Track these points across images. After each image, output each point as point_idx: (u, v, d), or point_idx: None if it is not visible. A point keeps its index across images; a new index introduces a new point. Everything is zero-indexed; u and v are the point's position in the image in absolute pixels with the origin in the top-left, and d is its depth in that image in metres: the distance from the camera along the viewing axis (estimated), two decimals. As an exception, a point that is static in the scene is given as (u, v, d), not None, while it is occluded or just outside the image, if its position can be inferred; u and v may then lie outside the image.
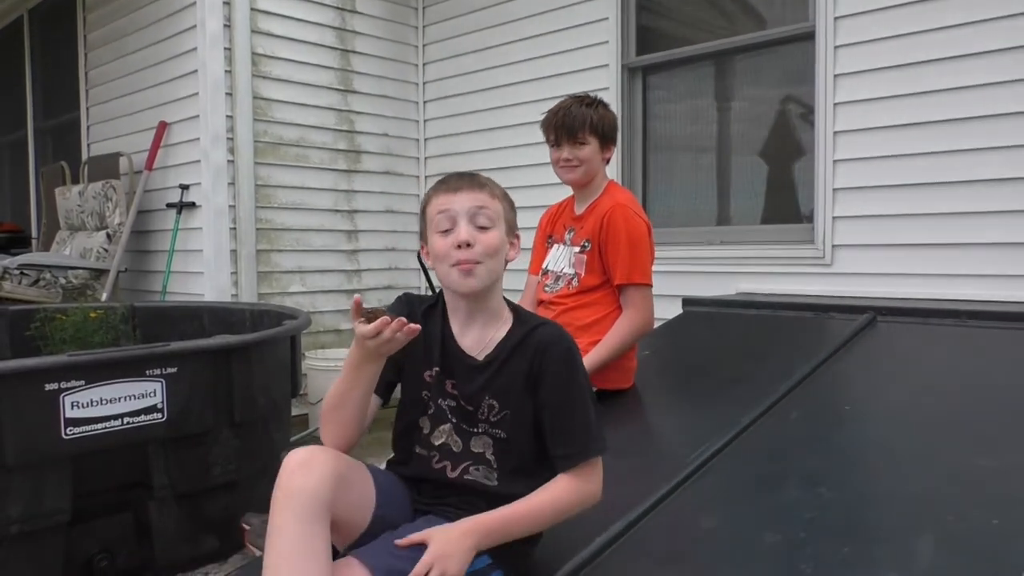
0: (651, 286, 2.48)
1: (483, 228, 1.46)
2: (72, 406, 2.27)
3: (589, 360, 2.34)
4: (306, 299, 4.62)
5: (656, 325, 2.64)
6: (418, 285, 5.17)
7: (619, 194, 2.56)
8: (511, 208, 1.54)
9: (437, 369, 1.53)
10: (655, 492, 1.83)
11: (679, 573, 1.63)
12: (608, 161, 2.59)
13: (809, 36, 3.58)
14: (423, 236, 1.55)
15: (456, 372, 1.52)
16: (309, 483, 1.29)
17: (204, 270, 4.36)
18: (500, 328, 1.52)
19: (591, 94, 2.59)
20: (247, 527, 2.48)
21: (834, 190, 3.49)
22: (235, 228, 4.37)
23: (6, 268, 4.41)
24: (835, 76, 3.48)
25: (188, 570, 2.60)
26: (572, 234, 2.58)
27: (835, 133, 3.48)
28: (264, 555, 1.30)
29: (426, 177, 5.27)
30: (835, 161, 3.48)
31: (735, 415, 2.19)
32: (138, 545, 2.55)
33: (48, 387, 2.24)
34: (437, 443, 1.53)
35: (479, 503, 1.47)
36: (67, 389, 2.26)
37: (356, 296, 1.35)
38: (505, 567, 1.47)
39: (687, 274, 3.78)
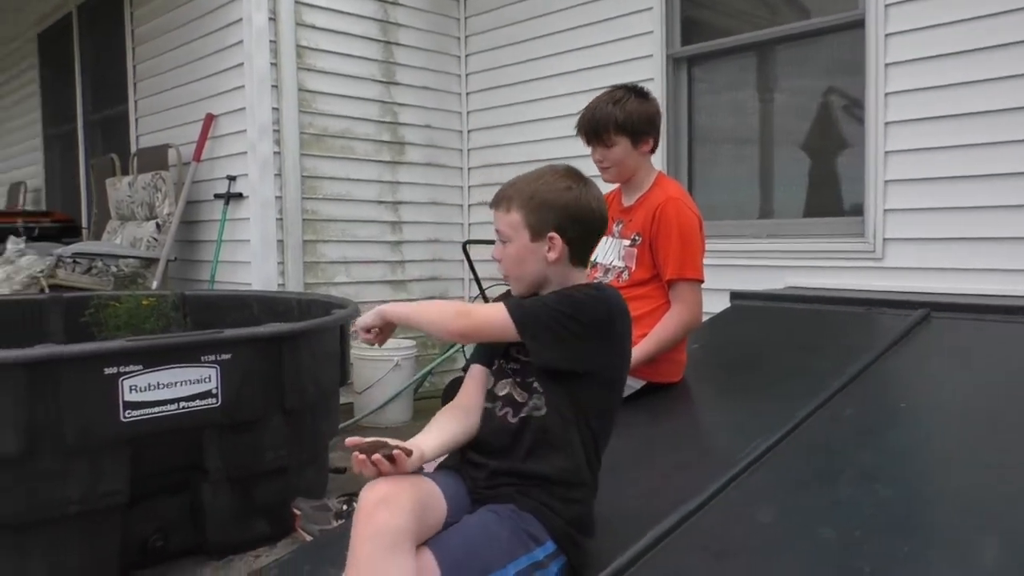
0: (702, 281, 2.46)
1: (504, 243, 1.62)
2: (130, 390, 2.33)
3: (636, 353, 2.33)
4: (352, 289, 4.65)
5: (704, 319, 2.62)
6: (461, 276, 5.20)
7: (670, 187, 2.53)
8: (534, 211, 1.58)
9: None
10: (708, 486, 1.83)
11: (735, 567, 1.61)
12: (650, 153, 2.54)
13: (859, 24, 3.51)
14: None
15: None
16: (393, 520, 1.31)
17: (251, 260, 4.42)
18: None
19: (632, 85, 2.52)
20: (297, 512, 2.51)
21: (885, 182, 3.42)
22: (281, 219, 4.43)
23: (60, 256, 4.51)
24: (886, 65, 3.41)
25: (239, 552, 2.65)
26: (621, 227, 2.56)
27: (886, 124, 3.41)
28: None
29: (469, 169, 5.28)
30: (887, 152, 3.42)
31: (787, 410, 2.16)
32: (192, 527, 2.61)
33: (107, 371, 2.29)
34: (501, 394, 1.60)
35: (530, 489, 1.50)
36: (126, 373, 2.31)
37: (350, 439, 1.38)
38: (568, 553, 1.50)
39: (734, 267, 3.74)
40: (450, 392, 4.44)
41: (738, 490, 1.84)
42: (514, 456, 1.53)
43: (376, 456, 1.33)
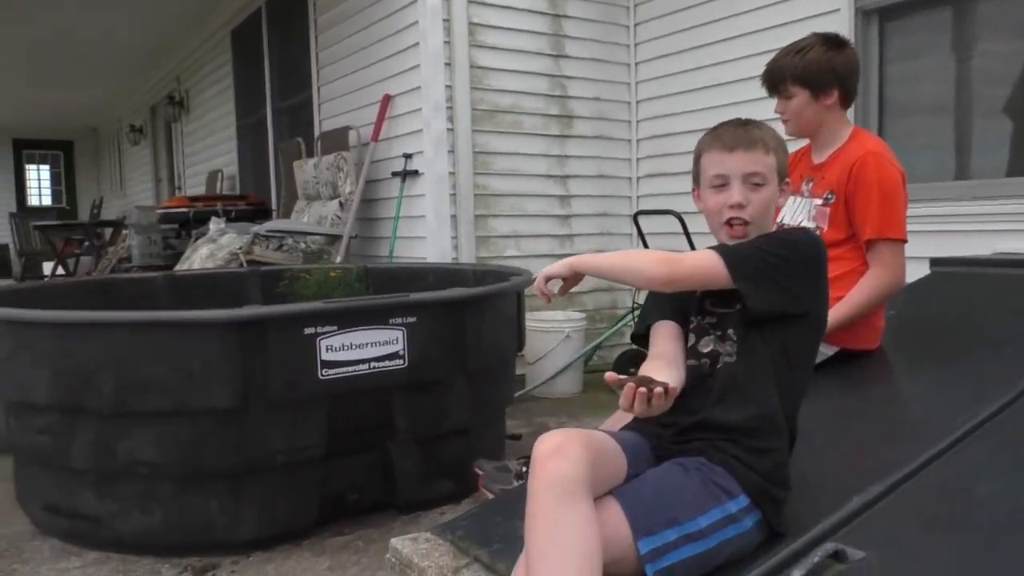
0: (905, 242, 2.28)
1: (757, 187, 1.51)
2: (327, 349, 2.47)
3: (831, 316, 2.19)
4: (521, 263, 4.68)
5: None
6: (629, 249, 5.13)
7: (869, 141, 2.36)
8: (784, 153, 1.57)
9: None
10: (918, 456, 1.70)
11: (950, 540, 1.49)
12: (839, 106, 2.37)
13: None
14: (696, 180, 1.63)
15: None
16: (566, 469, 1.29)
17: (427, 235, 4.58)
18: None
19: (827, 33, 2.41)
20: (480, 472, 2.58)
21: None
22: (455, 194, 4.55)
23: (256, 234, 4.88)
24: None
25: (426, 509, 2.76)
26: (811, 184, 2.42)
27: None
28: (526, 539, 1.32)
29: (638, 141, 5.19)
30: (1121, 101, 3.02)
31: (1004, 381, 1.97)
32: (381, 483, 2.73)
33: (307, 331, 2.44)
34: (706, 350, 1.55)
35: (720, 442, 1.45)
36: (323, 333, 2.45)
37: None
38: (764, 509, 1.44)
39: (932, 233, 3.44)
40: (620, 365, 4.40)
41: (952, 462, 1.69)
42: (704, 408, 1.49)
43: (658, 389, 1.32)
